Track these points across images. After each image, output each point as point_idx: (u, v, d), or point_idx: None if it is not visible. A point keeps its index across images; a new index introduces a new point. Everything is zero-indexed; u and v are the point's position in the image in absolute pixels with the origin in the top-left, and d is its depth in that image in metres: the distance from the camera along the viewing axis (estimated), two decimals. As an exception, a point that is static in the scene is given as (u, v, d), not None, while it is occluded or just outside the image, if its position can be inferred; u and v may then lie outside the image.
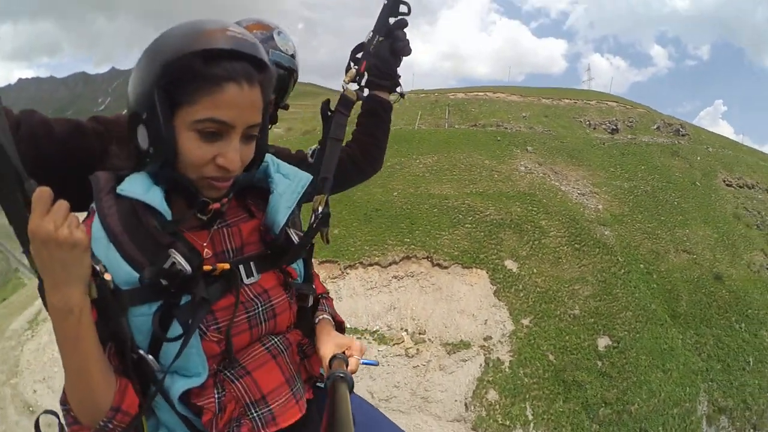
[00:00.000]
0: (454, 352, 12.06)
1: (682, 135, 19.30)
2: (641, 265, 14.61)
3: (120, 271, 0.90)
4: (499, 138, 17.22)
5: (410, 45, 1.63)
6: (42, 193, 0.78)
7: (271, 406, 1.06)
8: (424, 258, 13.49)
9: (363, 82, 1.63)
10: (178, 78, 0.89)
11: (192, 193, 0.98)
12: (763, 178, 18.93)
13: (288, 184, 1.15)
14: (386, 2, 1.59)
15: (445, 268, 13.10)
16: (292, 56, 1.74)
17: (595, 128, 19.16)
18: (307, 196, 1.29)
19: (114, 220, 0.93)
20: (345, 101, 1.58)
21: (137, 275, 0.90)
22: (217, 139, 0.93)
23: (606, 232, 14.68)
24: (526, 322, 12.81)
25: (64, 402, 0.92)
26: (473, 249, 13.46)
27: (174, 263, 0.90)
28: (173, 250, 0.91)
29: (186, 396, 0.98)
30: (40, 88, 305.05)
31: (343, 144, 1.65)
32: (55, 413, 0.96)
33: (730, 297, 15.02)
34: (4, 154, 0.81)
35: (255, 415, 1.04)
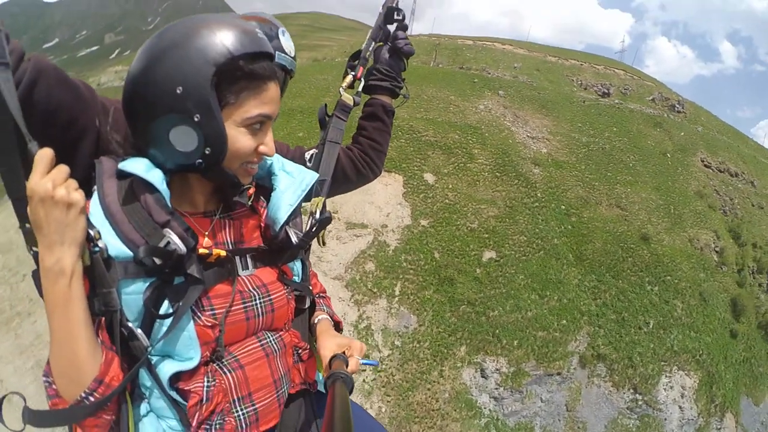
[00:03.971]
0: (352, 229, 14.28)
1: (678, 111, 18.92)
2: (562, 206, 15.51)
3: (114, 249, 0.92)
4: (476, 80, 18.40)
5: (412, 46, 1.69)
6: (44, 153, 0.83)
7: (257, 406, 1.07)
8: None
9: (360, 88, 1.70)
10: (228, 79, 0.95)
11: (235, 182, 1.05)
12: (754, 171, 18.11)
13: (291, 181, 1.19)
14: (381, 11, 1.67)
15: (371, 169, 15.36)
16: (293, 57, 1.74)
17: (585, 88, 19.51)
18: (307, 197, 1.33)
19: (113, 200, 0.95)
20: (343, 106, 1.66)
21: (131, 253, 0.92)
22: (259, 131, 1.03)
23: (535, 170, 15.75)
24: (424, 222, 14.62)
25: (47, 374, 0.91)
26: (399, 158, 15.40)
27: (169, 242, 0.92)
28: (168, 230, 0.93)
29: (176, 380, 0.99)
30: (90, 4, 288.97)
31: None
32: (21, 395, 0.93)
33: (651, 259, 15.35)
34: (8, 113, 0.81)
35: (240, 413, 1.05)
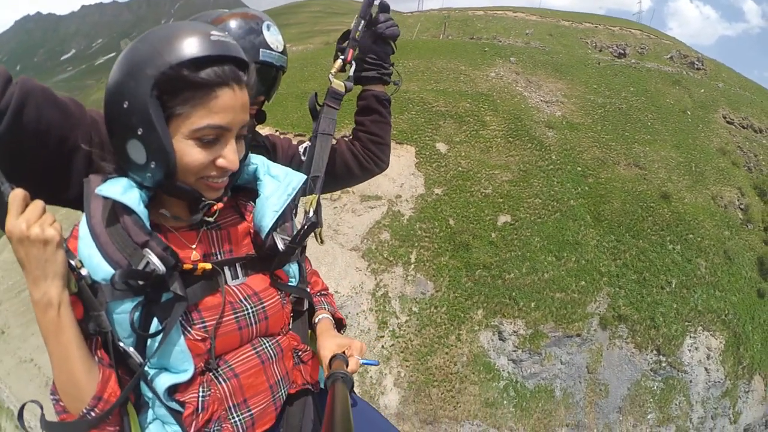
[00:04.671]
0: (366, 201, 14.46)
1: (697, 68, 18.32)
2: (578, 168, 15.32)
3: (100, 270, 0.93)
4: (486, 49, 18.23)
5: (396, 27, 1.60)
6: (16, 195, 0.85)
7: (252, 411, 1.08)
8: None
9: (351, 72, 1.59)
10: (170, 89, 0.90)
11: (195, 197, 1.01)
12: (781, 126, 17.32)
13: (277, 186, 1.16)
14: None
15: (382, 142, 15.53)
16: (282, 52, 1.59)
17: (601, 50, 19.09)
18: (298, 197, 1.29)
19: (97, 221, 0.95)
20: (334, 94, 1.56)
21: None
22: (214, 143, 0.96)
23: (549, 133, 15.57)
24: (437, 191, 14.69)
25: (53, 392, 0.95)
26: (410, 130, 15.41)
27: (148, 263, 0.92)
28: (147, 250, 0.93)
29: (173, 391, 1.01)
30: (103, 13, 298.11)
31: (337, 137, 1.63)
32: (39, 403, 0.99)
33: (672, 217, 15.04)
34: None
35: (236, 419, 1.05)
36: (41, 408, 0.96)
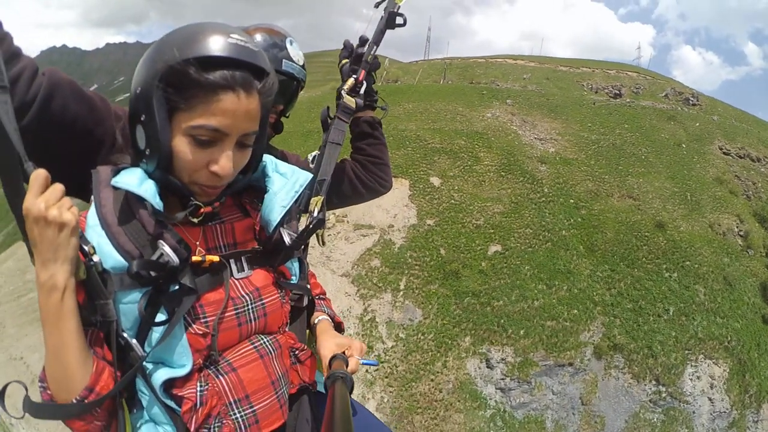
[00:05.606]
0: (359, 229, 14.97)
1: (692, 104, 18.56)
2: (571, 200, 15.54)
3: (110, 259, 0.93)
4: (484, 92, 19.09)
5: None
6: (39, 174, 0.85)
7: (255, 408, 1.07)
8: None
9: (362, 91, 1.71)
10: (176, 83, 0.90)
11: (185, 195, 1.01)
12: (777, 156, 17.09)
13: (284, 182, 1.16)
14: (383, 15, 1.68)
15: (379, 177, 16.17)
16: (303, 66, 1.72)
17: (597, 92, 19.63)
18: (305, 197, 1.37)
19: (109, 211, 0.96)
20: (345, 108, 1.68)
21: (127, 264, 0.93)
22: (210, 145, 0.95)
23: (541, 168, 15.97)
24: (430, 222, 15.12)
25: (42, 380, 0.93)
26: (405, 165, 16.09)
27: (162, 254, 0.93)
28: (162, 242, 0.94)
29: (170, 387, 1.00)
30: (126, 52, 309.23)
31: (343, 157, 1.76)
32: (23, 384, 0.96)
33: (668, 245, 14.92)
34: (5, 136, 0.83)
35: (238, 415, 1.05)
36: (26, 389, 0.95)
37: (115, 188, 0.97)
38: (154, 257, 0.93)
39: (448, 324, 13.45)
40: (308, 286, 1.29)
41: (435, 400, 12.63)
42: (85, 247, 0.90)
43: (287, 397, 1.16)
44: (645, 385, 13.31)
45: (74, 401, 0.90)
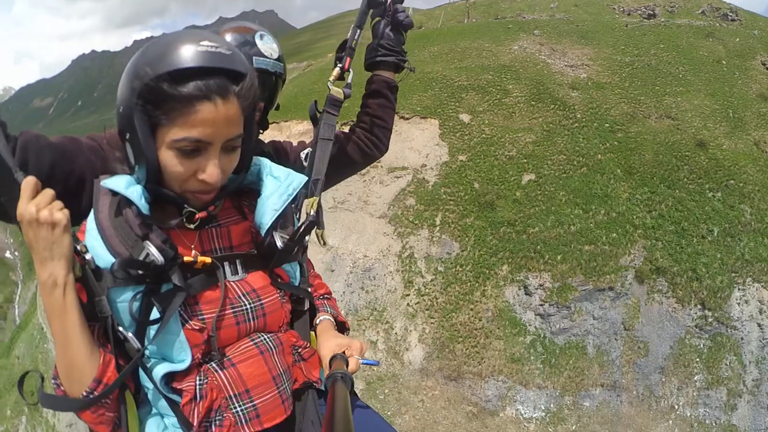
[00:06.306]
0: (392, 172, 15.11)
1: (732, 20, 17.45)
2: (606, 124, 15.17)
3: (103, 260, 0.97)
4: (510, 26, 18.56)
5: (410, 17, 1.66)
6: (29, 182, 0.90)
7: (255, 402, 1.08)
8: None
9: (350, 79, 1.64)
10: (153, 100, 0.92)
11: (179, 204, 1.04)
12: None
13: (277, 186, 1.17)
14: None
15: (407, 119, 15.92)
16: (278, 59, 1.65)
17: (629, 14, 18.75)
18: (301, 199, 1.37)
19: (105, 216, 1.00)
20: (333, 101, 1.62)
21: None
22: (196, 155, 0.97)
23: (573, 94, 15.59)
24: (462, 157, 15.12)
25: (55, 376, 0.98)
26: (433, 105, 15.96)
27: (148, 254, 0.96)
28: (147, 242, 0.97)
29: (171, 380, 1.03)
30: None
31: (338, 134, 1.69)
32: (40, 374, 1.01)
33: (710, 164, 14.47)
34: None
35: (238, 409, 1.06)
36: (42, 379, 0.99)
37: (113, 194, 1.02)
38: (141, 257, 0.96)
39: (485, 254, 13.63)
40: (309, 289, 1.30)
41: (475, 328, 12.94)
42: (77, 246, 0.95)
43: (290, 393, 1.16)
44: (690, 309, 13.13)
45: (83, 395, 0.95)
